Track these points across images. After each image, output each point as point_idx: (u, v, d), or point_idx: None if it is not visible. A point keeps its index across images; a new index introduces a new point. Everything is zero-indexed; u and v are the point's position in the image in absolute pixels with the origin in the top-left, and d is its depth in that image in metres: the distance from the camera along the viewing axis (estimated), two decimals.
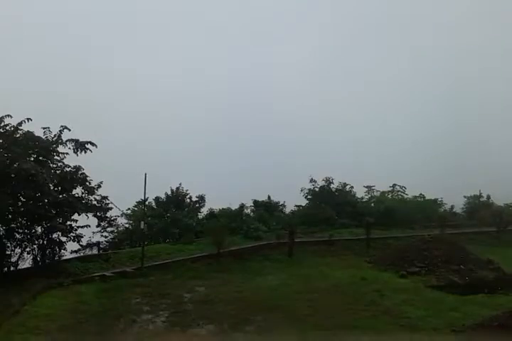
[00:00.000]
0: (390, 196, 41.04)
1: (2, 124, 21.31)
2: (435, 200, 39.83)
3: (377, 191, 40.69)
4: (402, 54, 63.08)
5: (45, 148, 21.93)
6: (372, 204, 38.57)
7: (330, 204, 35.80)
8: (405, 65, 62.63)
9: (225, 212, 33.12)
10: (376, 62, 63.40)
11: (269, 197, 36.04)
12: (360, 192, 39.27)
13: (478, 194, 41.62)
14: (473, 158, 49.95)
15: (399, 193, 41.09)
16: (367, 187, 40.23)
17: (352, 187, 37.98)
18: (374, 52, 64.13)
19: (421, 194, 40.09)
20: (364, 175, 42.09)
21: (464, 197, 41.53)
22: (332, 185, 37.30)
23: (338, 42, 65.87)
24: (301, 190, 37.46)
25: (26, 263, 22.20)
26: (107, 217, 25.17)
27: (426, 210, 37.88)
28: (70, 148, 22.83)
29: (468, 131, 53.73)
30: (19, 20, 56.04)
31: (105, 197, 23.83)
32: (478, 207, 39.86)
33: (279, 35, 67.32)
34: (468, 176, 46.01)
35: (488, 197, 41.44)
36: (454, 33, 63.28)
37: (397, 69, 61.97)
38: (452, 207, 40.73)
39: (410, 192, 40.62)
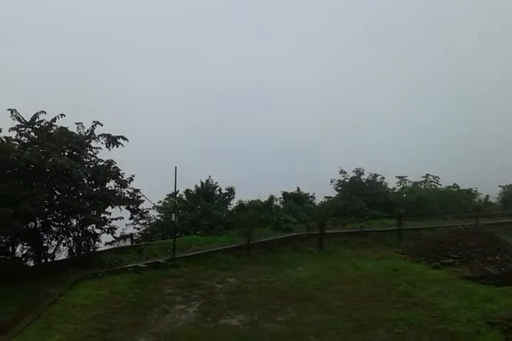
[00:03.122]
0: (422, 186, 40.30)
1: (37, 120, 21.86)
2: (469, 190, 38.93)
3: (409, 181, 40.12)
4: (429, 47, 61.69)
5: (79, 143, 22.38)
6: (404, 195, 37.94)
7: (360, 195, 35.44)
8: (431, 58, 61.37)
9: (255, 204, 33.14)
10: (404, 57, 62.11)
11: (298, 188, 35.78)
12: (392, 183, 38.83)
13: None
14: (508, 147, 48.51)
15: (432, 183, 40.36)
16: (399, 177, 39.73)
17: (383, 177, 37.42)
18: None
19: (455, 184, 39.30)
20: (397, 166, 41.52)
21: (499, 186, 40.43)
22: (362, 176, 36.88)
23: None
24: (331, 182, 37.24)
25: (62, 254, 22.78)
26: (139, 210, 25.59)
27: (460, 200, 37.12)
28: (102, 143, 23.28)
29: (503, 120, 52.20)
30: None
31: (137, 190, 24.16)
32: None
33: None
34: (504, 165, 44.75)
35: None
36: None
37: (422, 62, 60.68)
38: (487, 197, 39.74)
39: (444, 182, 39.94)
